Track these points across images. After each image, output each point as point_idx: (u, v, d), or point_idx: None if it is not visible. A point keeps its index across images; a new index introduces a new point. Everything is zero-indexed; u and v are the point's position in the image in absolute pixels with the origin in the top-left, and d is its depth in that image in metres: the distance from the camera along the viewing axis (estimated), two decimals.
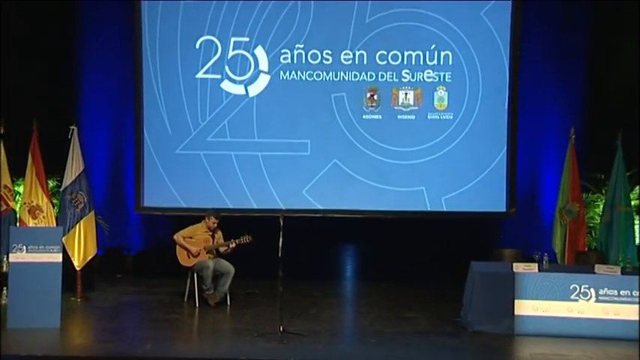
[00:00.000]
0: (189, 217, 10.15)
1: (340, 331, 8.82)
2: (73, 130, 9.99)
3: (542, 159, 11.49)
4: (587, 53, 11.39)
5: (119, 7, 11.54)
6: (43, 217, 9.85)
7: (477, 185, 11.06)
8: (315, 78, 11.16)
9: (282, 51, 11.17)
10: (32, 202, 9.85)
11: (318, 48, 11.15)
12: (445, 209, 11.10)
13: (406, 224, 11.22)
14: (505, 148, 11.03)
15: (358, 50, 11.11)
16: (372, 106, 11.14)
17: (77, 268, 9.92)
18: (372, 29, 11.10)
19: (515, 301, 8.31)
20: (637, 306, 8.13)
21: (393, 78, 11.12)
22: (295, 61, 11.17)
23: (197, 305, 9.53)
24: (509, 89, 10.99)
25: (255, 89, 11.21)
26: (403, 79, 11.11)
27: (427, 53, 11.09)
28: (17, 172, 10.38)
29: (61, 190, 10.06)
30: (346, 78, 11.14)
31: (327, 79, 11.15)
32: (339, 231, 11.48)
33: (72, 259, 9.85)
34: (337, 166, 11.15)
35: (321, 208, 11.16)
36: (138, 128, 11.28)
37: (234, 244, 9.58)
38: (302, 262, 10.32)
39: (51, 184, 10.55)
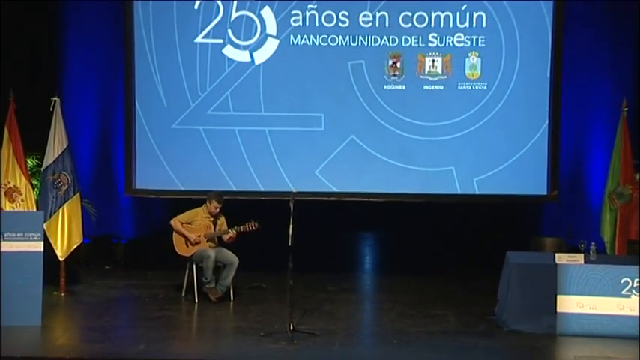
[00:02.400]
0: (188, 201, 10.18)
1: (358, 330, 8.81)
2: (55, 101, 9.99)
3: (590, 135, 11.44)
4: None
5: None
6: (22, 201, 9.85)
7: (513, 165, 11.01)
8: (330, 43, 11.11)
9: (293, 12, 11.12)
10: (9, 183, 9.85)
11: (333, 9, 11.09)
12: (477, 192, 11.07)
13: (433, 209, 11.21)
14: (546, 122, 10.97)
15: (379, 11, 11.04)
16: (394, 75, 11.09)
17: (60, 259, 9.95)
18: None
19: (558, 297, 8.29)
20: None
21: (418, 43, 11.05)
22: (307, 24, 11.13)
23: (196, 300, 9.56)
24: (552, 56, 10.91)
25: (261, 56, 11.18)
26: (430, 44, 11.04)
27: (457, 14, 11.02)
28: None
29: (42, 169, 10.07)
30: (365, 43, 11.09)
31: (344, 44, 11.10)
32: (357, 217, 11.50)
33: (54, 248, 9.89)
34: (355, 143, 11.12)
35: (337, 190, 11.15)
36: (129, 100, 11.27)
37: (235, 231, 9.57)
38: (315, 251, 10.36)
39: (30, 163, 10.54)
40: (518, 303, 8.43)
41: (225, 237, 9.68)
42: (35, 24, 11.63)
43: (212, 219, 9.74)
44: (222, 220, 9.82)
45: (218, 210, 9.72)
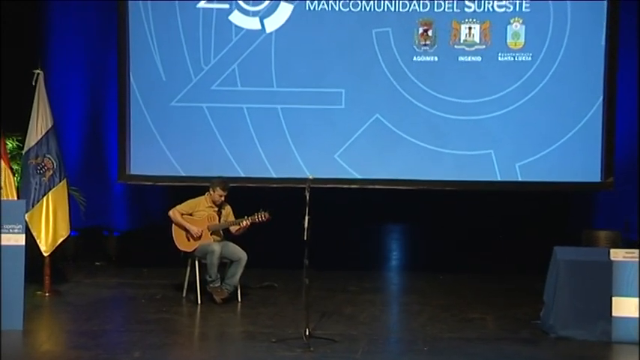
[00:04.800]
0: (189, 189, 10.22)
1: (383, 335, 8.79)
2: (38, 74, 9.99)
3: None
4: None
5: None
6: (1, 188, 9.86)
7: (562, 148, 11.01)
8: (352, 8, 11.10)
9: None
10: None
11: None
12: (520, 179, 11.08)
13: (469, 198, 11.23)
14: (600, 98, 10.94)
15: None
16: (425, 45, 11.08)
17: (45, 254, 9.98)
18: None
19: (613, 299, 8.27)
20: None
21: (452, 8, 11.07)
22: None
23: (199, 302, 9.59)
24: (608, 21, 10.87)
25: (273, 23, 11.18)
26: (466, 9, 11.04)
27: None
28: None
29: (24, 152, 10.10)
30: (392, 8, 11.10)
31: (367, 9, 11.11)
32: (382, 207, 11.51)
33: (38, 241, 9.93)
34: (379, 122, 11.12)
35: (359, 177, 11.16)
36: (122, 73, 11.30)
37: (243, 223, 9.56)
38: (334, 246, 10.36)
39: (10, 145, 10.59)
40: (567, 306, 8.40)
41: (232, 229, 9.68)
42: None
43: (216, 209, 9.74)
44: (227, 210, 9.82)
45: (223, 199, 9.73)
